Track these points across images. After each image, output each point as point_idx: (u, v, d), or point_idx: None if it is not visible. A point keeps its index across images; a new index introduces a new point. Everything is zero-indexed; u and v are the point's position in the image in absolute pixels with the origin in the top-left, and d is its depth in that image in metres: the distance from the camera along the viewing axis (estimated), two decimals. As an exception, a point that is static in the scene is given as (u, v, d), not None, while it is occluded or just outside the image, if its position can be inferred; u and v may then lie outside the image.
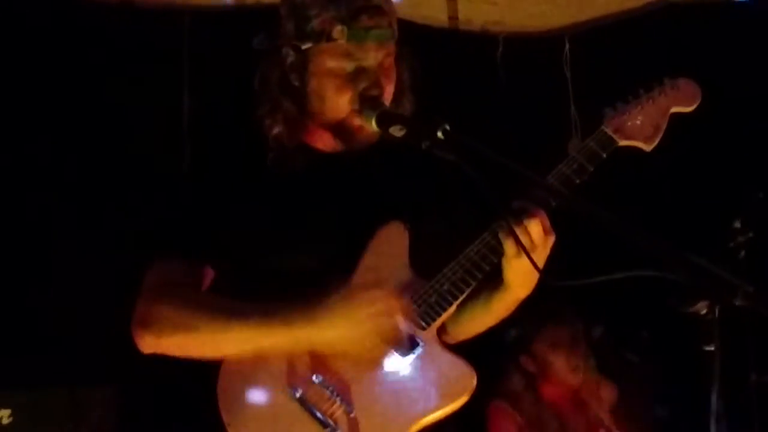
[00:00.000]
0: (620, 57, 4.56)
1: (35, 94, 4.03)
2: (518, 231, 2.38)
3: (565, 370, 4.29)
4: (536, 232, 2.40)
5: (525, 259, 2.38)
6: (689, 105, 2.59)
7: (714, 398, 2.00)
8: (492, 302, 2.59)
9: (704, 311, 2.05)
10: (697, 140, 4.25)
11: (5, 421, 3.53)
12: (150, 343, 2.43)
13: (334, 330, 2.31)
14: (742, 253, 4.06)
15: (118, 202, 4.10)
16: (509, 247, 2.41)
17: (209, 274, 2.49)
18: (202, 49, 4.22)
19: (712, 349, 2.04)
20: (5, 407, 3.53)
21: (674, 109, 2.59)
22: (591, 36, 4.79)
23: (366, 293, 2.33)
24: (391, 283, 2.42)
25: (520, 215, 2.39)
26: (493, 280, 2.52)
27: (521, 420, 4.23)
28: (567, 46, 4.81)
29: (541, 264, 2.43)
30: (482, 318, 2.65)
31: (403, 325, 2.37)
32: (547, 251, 2.45)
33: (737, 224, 4.10)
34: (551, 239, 2.43)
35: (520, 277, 2.48)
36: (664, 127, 2.56)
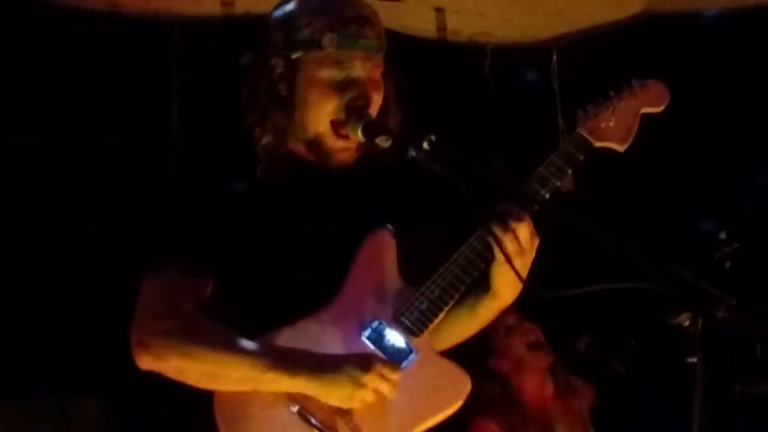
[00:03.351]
0: (607, 68, 4.57)
1: (21, 103, 4.03)
2: (506, 235, 2.41)
3: (523, 348, 4.26)
4: (524, 235, 2.43)
5: (514, 264, 2.41)
6: (658, 105, 2.64)
7: (696, 410, 2.02)
8: (477, 309, 2.62)
9: (687, 323, 2.07)
10: (680, 149, 4.28)
11: (-7, 431, 3.53)
12: (149, 364, 2.43)
13: (335, 395, 2.35)
14: (728, 264, 4.08)
15: (107, 211, 4.10)
16: (498, 253, 2.43)
17: (208, 286, 2.49)
18: (191, 59, 4.23)
19: (695, 361, 2.07)
20: (-7, 417, 3.54)
21: (644, 110, 2.63)
22: (578, 47, 4.81)
23: (375, 378, 2.34)
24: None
25: (507, 219, 2.41)
26: (477, 287, 2.54)
27: None
28: (554, 57, 4.83)
29: (527, 267, 2.48)
30: (466, 326, 2.68)
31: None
32: (533, 255, 2.48)
33: (723, 235, 4.12)
34: (536, 242, 2.47)
35: (508, 282, 2.51)
36: (635, 128, 2.60)
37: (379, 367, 2.34)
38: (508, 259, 2.38)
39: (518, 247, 2.42)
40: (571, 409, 4.33)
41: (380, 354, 2.40)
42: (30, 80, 4.05)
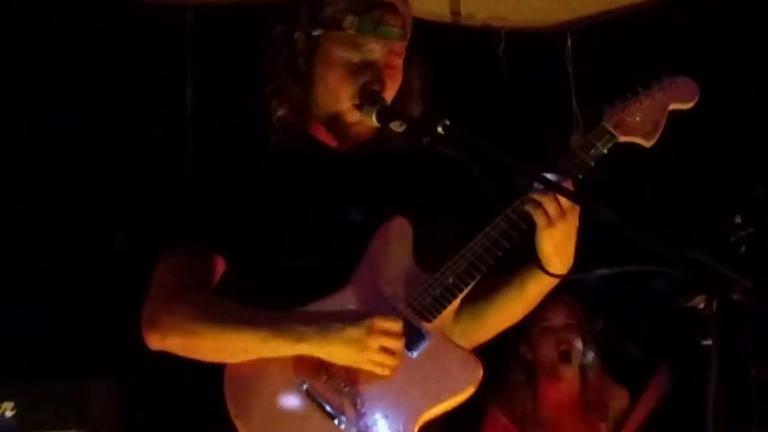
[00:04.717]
0: (622, 52, 4.57)
1: (36, 90, 4.05)
2: (546, 198, 2.40)
3: (553, 357, 4.26)
4: (564, 198, 2.41)
5: (558, 229, 2.41)
6: (687, 102, 2.60)
7: (710, 393, 2.02)
8: (527, 285, 2.58)
9: (702, 306, 2.07)
10: (698, 135, 4.26)
11: (8, 413, 3.54)
12: (157, 342, 2.45)
13: (341, 356, 2.35)
14: (743, 248, 4.07)
15: (121, 196, 4.12)
16: (539, 217, 2.42)
17: (220, 267, 2.50)
18: (205, 44, 4.24)
19: (710, 343, 2.07)
20: (8, 399, 3.55)
21: (672, 106, 2.60)
22: (593, 31, 4.79)
23: (378, 333, 2.33)
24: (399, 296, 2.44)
25: (546, 185, 2.40)
26: (524, 266, 2.55)
27: (514, 429, 4.21)
28: (569, 41, 4.82)
29: (574, 234, 2.47)
30: (515, 306, 2.63)
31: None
32: (576, 220, 2.46)
33: (738, 219, 4.11)
34: (578, 207, 2.43)
35: (557, 249, 2.48)
36: (663, 123, 2.57)
37: (380, 323, 2.33)
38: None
39: (559, 210, 2.41)
40: (587, 420, 4.31)
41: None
42: (44, 66, 4.06)
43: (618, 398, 4.37)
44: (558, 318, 4.27)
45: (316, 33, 2.53)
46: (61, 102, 4.08)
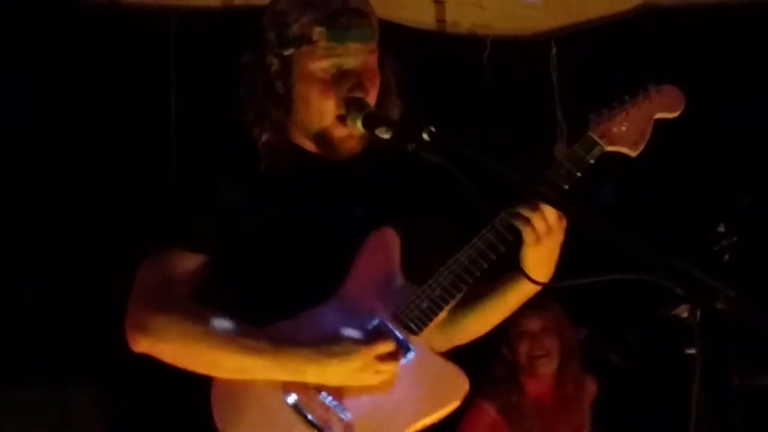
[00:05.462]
0: (606, 61, 4.58)
1: (22, 94, 4.03)
2: (535, 214, 2.41)
3: (528, 359, 4.35)
4: (552, 215, 2.42)
5: (544, 245, 2.43)
6: (673, 111, 2.60)
7: (694, 401, 2.02)
8: (508, 295, 2.61)
9: (685, 314, 2.07)
10: (681, 143, 4.28)
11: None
12: (144, 347, 2.44)
13: (340, 384, 2.38)
14: (727, 256, 4.09)
15: (105, 202, 4.10)
16: (528, 234, 2.43)
17: (205, 270, 2.48)
18: (189, 50, 4.23)
19: (693, 352, 2.07)
20: (-9, 406, 3.54)
21: (658, 115, 2.60)
22: (578, 40, 4.81)
23: (374, 362, 2.36)
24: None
25: (535, 200, 2.41)
26: (507, 274, 2.56)
27: (501, 419, 4.26)
28: (554, 49, 4.83)
29: (558, 248, 2.50)
30: (496, 312, 2.67)
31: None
32: (562, 235, 2.48)
33: (721, 228, 4.13)
34: (564, 223, 2.46)
35: (540, 264, 2.50)
36: (649, 132, 2.57)
37: (375, 351, 2.35)
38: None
39: (546, 227, 2.42)
40: (568, 409, 4.37)
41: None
42: (29, 70, 4.05)
43: (589, 386, 4.42)
44: (534, 323, 4.32)
45: (287, 53, 2.50)
46: (44, 107, 4.07)
